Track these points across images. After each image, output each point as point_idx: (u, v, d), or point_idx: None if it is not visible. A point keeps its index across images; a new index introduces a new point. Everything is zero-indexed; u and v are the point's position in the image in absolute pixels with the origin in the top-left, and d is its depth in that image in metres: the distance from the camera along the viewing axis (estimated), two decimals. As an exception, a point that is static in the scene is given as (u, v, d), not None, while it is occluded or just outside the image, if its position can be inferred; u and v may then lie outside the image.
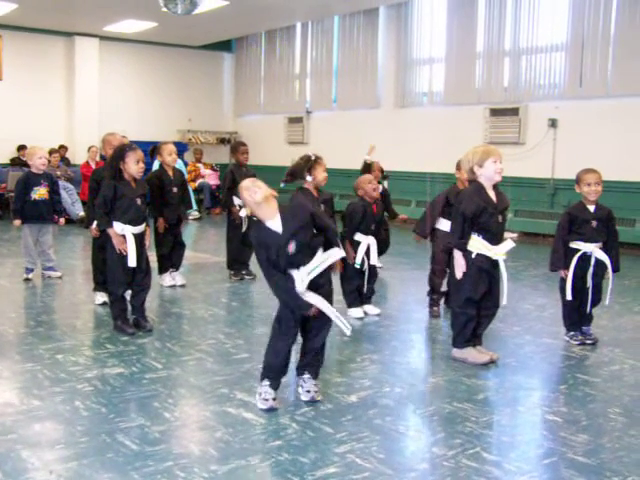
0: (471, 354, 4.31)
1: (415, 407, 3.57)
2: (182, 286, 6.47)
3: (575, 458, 2.99)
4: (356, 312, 5.42)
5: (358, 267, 5.33)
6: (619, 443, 3.16)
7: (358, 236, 5.36)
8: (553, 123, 10.06)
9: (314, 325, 3.52)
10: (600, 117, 9.57)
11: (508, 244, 4.27)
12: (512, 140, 10.48)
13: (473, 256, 4.21)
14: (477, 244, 4.21)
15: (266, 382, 3.51)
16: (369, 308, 5.53)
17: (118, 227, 4.75)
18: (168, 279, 6.49)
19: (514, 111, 10.44)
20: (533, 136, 10.34)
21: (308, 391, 3.58)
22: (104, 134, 6.03)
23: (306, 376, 3.62)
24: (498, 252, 4.22)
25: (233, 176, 6.73)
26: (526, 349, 4.67)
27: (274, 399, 3.48)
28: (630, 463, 2.95)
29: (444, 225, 5.47)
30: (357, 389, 3.79)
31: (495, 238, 4.22)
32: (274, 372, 3.51)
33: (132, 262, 4.74)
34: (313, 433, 3.18)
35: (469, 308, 4.27)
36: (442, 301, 5.67)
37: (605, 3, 9.41)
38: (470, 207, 4.16)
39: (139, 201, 4.81)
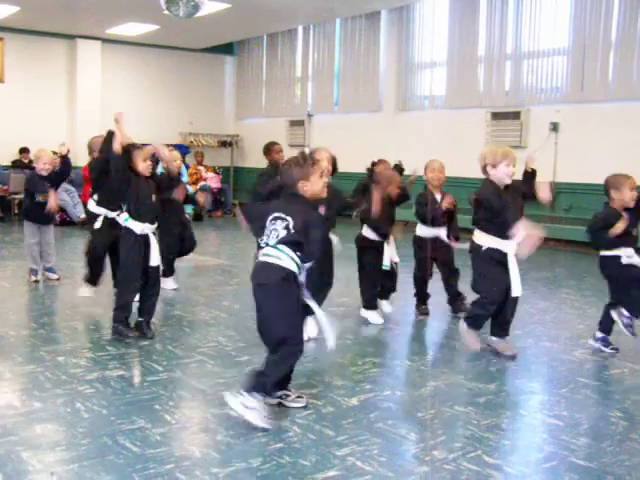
0: (471, 337, 4.45)
1: (416, 410, 3.57)
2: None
3: (576, 462, 2.99)
4: (372, 316, 5.30)
5: (386, 268, 5.27)
6: (620, 447, 3.16)
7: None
8: (555, 127, 10.06)
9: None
10: (601, 121, 9.56)
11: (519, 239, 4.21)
12: (514, 144, 10.42)
13: (484, 248, 4.32)
14: (487, 239, 4.31)
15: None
16: (384, 304, 5.50)
17: (138, 227, 4.73)
18: (171, 283, 6.49)
19: (516, 115, 10.44)
20: (535, 140, 10.32)
21: (300, 397, 3.55)
22: (91, 137, 6.11)
23: (289, 387, 3.57)
24: (509, 246, 4.26)
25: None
26: (527, 353, 4.67)
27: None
28: (631, 467, 2.95)
29: (424, 232, 5.51)
30: (358, 392, 3.79)
31: (506, 231, 4.21)
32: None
33: (155, 260, 4.78)
34: (314, 436, 3.18)
35: (496, 296, 4.33)
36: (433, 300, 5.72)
37: (606, 7, 9.41)
38: (493, 196, 4.26)
39: (154, 198, 4.84)
